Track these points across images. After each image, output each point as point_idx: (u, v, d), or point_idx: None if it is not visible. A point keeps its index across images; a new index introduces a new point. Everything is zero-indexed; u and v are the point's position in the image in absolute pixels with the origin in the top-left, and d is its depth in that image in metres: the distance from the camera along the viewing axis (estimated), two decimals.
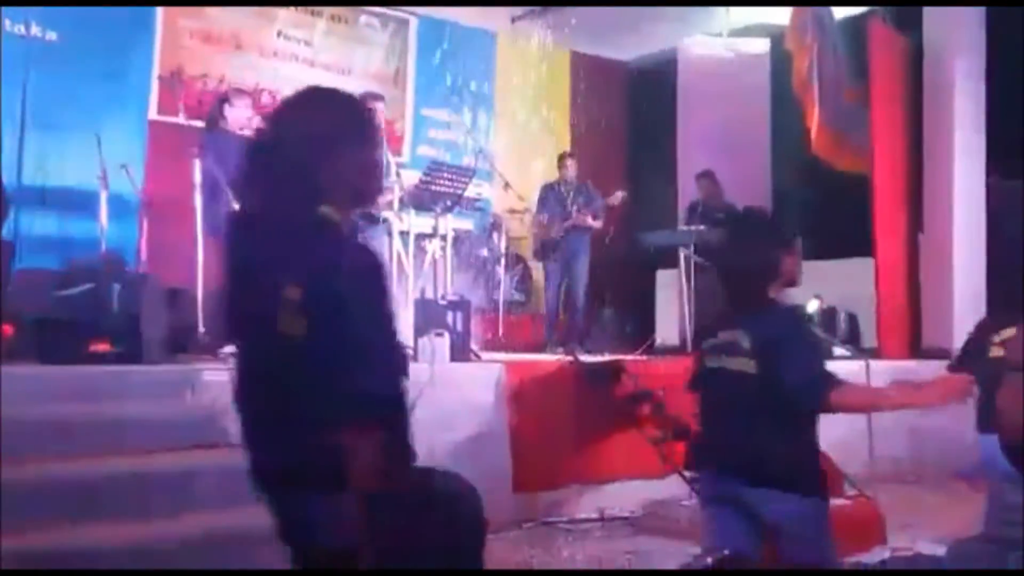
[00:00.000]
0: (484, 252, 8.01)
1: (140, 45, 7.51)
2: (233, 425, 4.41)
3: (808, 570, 2.64)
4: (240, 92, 6.17)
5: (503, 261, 8.09)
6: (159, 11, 7.62)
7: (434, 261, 6.37)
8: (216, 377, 4.55)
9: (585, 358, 6.14)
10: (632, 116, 10.34)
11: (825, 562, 2.68)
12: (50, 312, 4.82)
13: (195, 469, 4.06)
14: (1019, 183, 7.42)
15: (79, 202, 6.63)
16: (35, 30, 6.99)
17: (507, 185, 7.90)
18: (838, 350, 6.58)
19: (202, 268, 5.49)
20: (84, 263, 5.38)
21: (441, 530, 1.89)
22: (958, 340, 7.38)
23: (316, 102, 2.00)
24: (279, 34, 8.32)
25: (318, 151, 1.87)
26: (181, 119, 6.34)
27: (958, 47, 7.79)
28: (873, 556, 4.17)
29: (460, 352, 5.69)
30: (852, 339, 7.58)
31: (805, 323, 2.86)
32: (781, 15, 8.15)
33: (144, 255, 6.44)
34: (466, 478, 2.08)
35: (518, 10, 9.25)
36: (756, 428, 2.66)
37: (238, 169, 1.96)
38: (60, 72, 6.90)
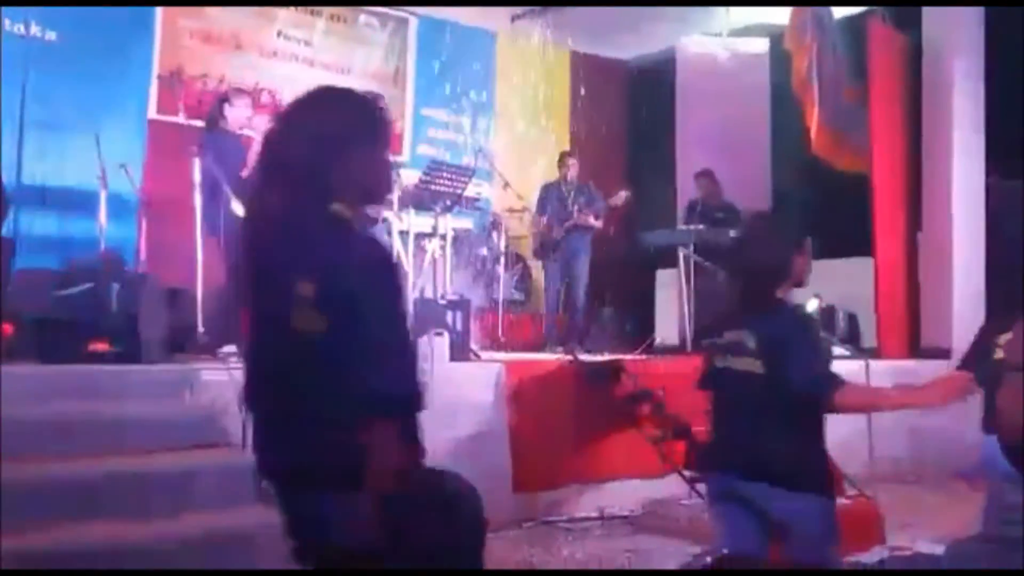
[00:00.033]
0: (484, 251, 8.00)
1: (140, 45, 7.50)
2: (233, 424, 4.46)
3: (807, 570, 2.64)
4: (240, 92, 6.17)
5: (502, 260, 8.09)
6: (159, 11, 7.62)
7: (433, 260, 6.38)
8: (215, 377, 4.56)
9: (585, 357, 6.15)
10: (632, 115, 10.33)
11: (830, 561, 2.69)
12: (49, 312, 4.82)
13: (194, 469, 4.06)
14: (1018, 183, 7.43)
15: (78, 202, 6.62)
16: (35, 30, 6.98)
17: (506, 184, 7.91)
18: (837, 349, 6.58)
19: (201, 268, 5.49)
20: (83, 263, 5.38)
21: (441, 530, 1.89)
22: (957, 340, 7.45)
23: (328, 101, 2.01)
24: (279, 34, 8.31)
25: (330, 150, 1.88)
26: (181, 119, 6.34)
27: (957, 46, 7.79)
28: (872, 556, 4.18)
29: (460, 351, 5.69)
30: (851, 338, 7.58)
31: (810, 324, 2.88)
32: (780, 15, 8.15)
33: (143, 255, 6.44)
34: (466, 477, 2.08)
35: (518, 9, 9.24)
36: (762, 427, 2.69)
37: (251, 168, 1.97)
38: (60, 72, 6.90)
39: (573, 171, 7.79)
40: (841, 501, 4.59)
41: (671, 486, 5.39)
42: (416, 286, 6.16)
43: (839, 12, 8.05)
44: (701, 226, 7.63)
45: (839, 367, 2.76)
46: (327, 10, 8.56)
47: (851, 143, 7.78)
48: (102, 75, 7.16)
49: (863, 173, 7.65)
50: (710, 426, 2.96)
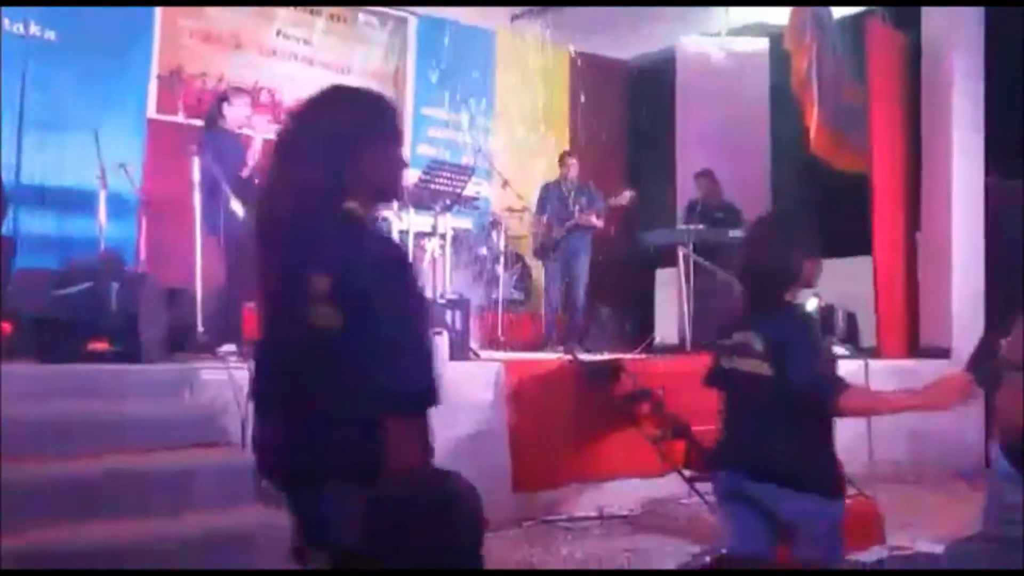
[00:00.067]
0: (483, 251, 8.00)
1: (139, 44, 7.50)
2: (232, 424, 4.46)
3: (806, 570, 2.65)
4: (239, 91, 6.17)
5: (502, 260, 8.09)
6: (158, 10, 7.61)
7: (433, 260, 6.38)
8: (214, 376, 4.56)
9: (584, 357, 6.15)
10: (631, 115, 10.33)
11: (835, 561, 2.70)
12: (49, 311, 4.82)
13: (194, 468, 4.06)
14: (1018, 182, 7.43)
15: (78, 201, 6.63)
16: (34, 29, 6.99)
17: (506, 183, 7.91)
18: (837, 349, 6.58)
19: (201, 267, 5.49)
20: (83, 262, 5.38)
21: (440, 529, 1.89)
22: (957, 339, 7.46)
23: (341, 100, 2.02)
24: (278, 33, 8.31)
25: (344, 148, 1.89)
26: (180, 118, 6.35)
27: (957, 46, 7.79)
28: (871, 555, 4.18)
29: (459, 351, 5.69)
30: (851, 338, 7.58)
31: (815, 327, 2.90)
32: (780, 15, 8.15)
33: (143, 254, 6.45)
34: (465, 477, 2.09)
35: (517, 9, 9.24)
36: (769, 428, 2.71)
37: (263, 167, 1.97)
38: (59, 71, 6.90)
39: (574, 171, 7.79)
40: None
41: (670, 485, 5.39)
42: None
43: (838, 12, 8.05)
44: (701, 226, 7.63)
45: (838, 367, 2.78)
46: (327, 9, 8.56)
47: (851, 143, 7.78)
48: (101, 74, 7.17)
49: (863, 173, 7.65)
50: (719, 426, 2.98)
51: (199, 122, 6.05)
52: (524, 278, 8.74)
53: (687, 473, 5.18)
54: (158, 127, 7.40)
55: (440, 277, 6.43)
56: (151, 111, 7.54)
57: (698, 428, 5.15)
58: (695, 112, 9.02)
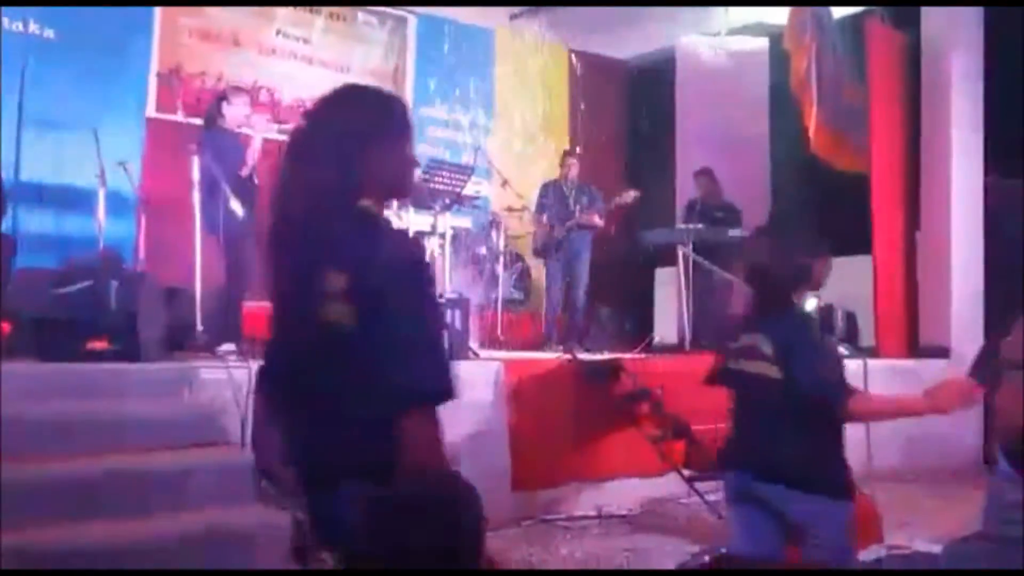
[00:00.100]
0: (482, 250, 8.00)
1: (138, 43, 7.50)
2: (232, 423, 4.45)
3: (806, 570, 2.65)
4: (238, 90, 6.16)
5: (501, 259, 8.09)
6: (157, 9, 7.61)
7: (432, 259, 6.37)
8: (214, 375, 4.56)
9: (584, 356, 6.15)
10: (631, 114, 10.33)
11: (846, 562, 2.71)
12: (48, 310, 4.82)
13: (193, 467, 4.06)
14: (1017, 182, 7.43)
15: (77, 200, 6.63)
16: (33, 28, 6.98)
17: (505, 183, 7.90)
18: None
19: (200, 266, 5.49)
20: (82, 261, 5.37)
21: (439, 529, 1.89)
22: (956, 338, 7.47)
23: (354, 99, 2.03)
24: (278, 32, 8.31)
25: (358, 147, 1.91)
26: (179, 117, 6.34)
27: (956, 46, 7.79)
28: (870, 554, 4.18)
29: (458, 350, 5.69)
30: (850, 337, 7.58)
31: (825, 330, 2.92)
32: (779, 14, 8.15)
33: (142, 253, 6.45)
34: (464, 476, 2.09)
35: (516, 8, 9.24)
36: (778, 430, 2.73)
37: (278, 166, 1.98)
38: (58, 70, 6.90)
39: (574, 170, 7.76)
40: None
41: (670, 485, 5.40)
42: None
43: (838, 12, 8.05)
44: (700, 225, 7.63)
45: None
46: (326, 8, 8.55)
47: (850, 142, 7.78)
48: (101, 73, 7.16)
49: (862, 172, 7.65)
50: (728, 427, 3.00)
51: (198, 121, 6.04)
52: (523, 277, 8.74)
53: (686, 473, 5.19)
54: (157, 126, 7.40)
55: (439, 276, 6.43)
56: (150, 110, 7.54)
57: (697, 428, 5.16)
58: (695, 111, 9.02)
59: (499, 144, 9.20)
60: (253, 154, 5.68)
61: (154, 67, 7.59)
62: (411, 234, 5.64)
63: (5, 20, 6.78)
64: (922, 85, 7.91)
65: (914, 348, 7.68)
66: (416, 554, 1.84)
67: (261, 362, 2.10)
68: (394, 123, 2.00)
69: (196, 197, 5.52)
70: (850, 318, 7.84)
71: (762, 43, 8.97)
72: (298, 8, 8.41)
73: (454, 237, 6.93)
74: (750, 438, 2.85)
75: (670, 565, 4.43)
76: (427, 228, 6.42)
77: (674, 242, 7.64)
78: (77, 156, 6.46)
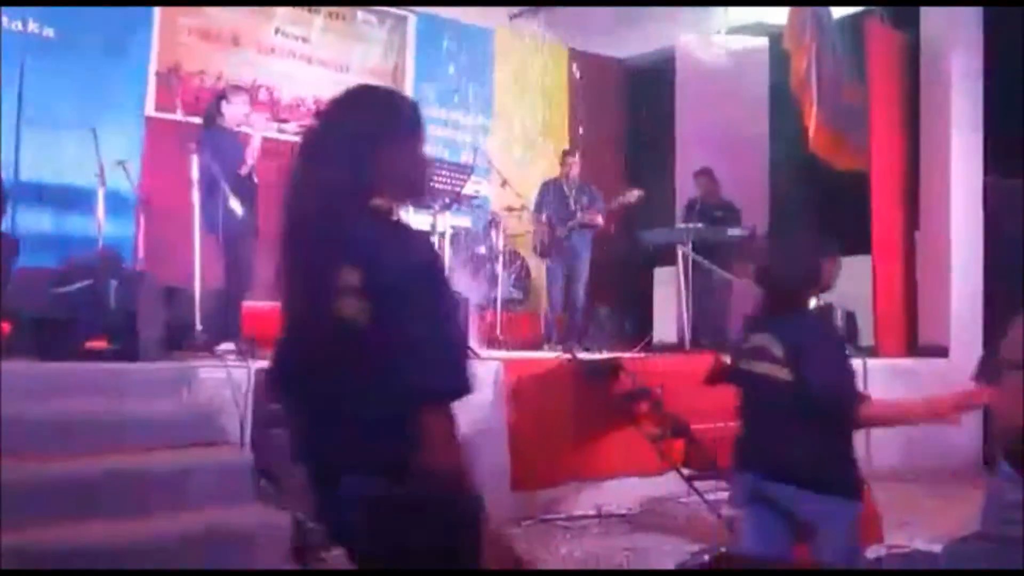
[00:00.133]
0: (482, 250, 7.99)
1: (138, 42, 7.49)
2: (231, 422, 4.45)
3: (806, 570, 2.66)
4: (237, 89, 6.16)
5: (501, 258, 8.08)
6: (157, 8, 7.61)
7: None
8: (213, 375, 4.56)
9: (583, 356, 6.14)
10: (630, 114, 10.33)
11: (853, 560, 2.73)
12: (47, 309, 4.81)
13: (193, 466, 4.06)
14: (1017, 181, 7.43)
15: (76, 199, 6.63)
16: (32, 27, 6.98)
17: (505, 182, 7.89)
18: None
19: (199, 265, 5.48)
20: (81, 260, 5.37)
21: (439, 529, 1.90)
22: (955, 338, 7.46)
23: (368, 100, 2.06)
24: (277, 31, 8.30)
25: (368, 147, 1.93)
26: (179, 116, 6.33)
27: (956, 46, 7.79)
28: (870, 554, 4.18)
29: None
30: (849, 337, 7.58)
31: (836, 333, 2.94)
32: (779, 14, 8.14)
33: (141, 252, 6.44)
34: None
35: (516, 8, 9.24)
36: (788, 430, 2.75)
37: (291, 166, 1.99)
38: (57, 69, 6.89)
39: (575, 169, 7.75)
40: None
41: (669, 484, 5.39)
42: None
43: (838, 12, 8.05)
44: (700, 224, 7.63)
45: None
46: (325, 7, 8.54)
47: (850, 142, 7.78)
48: (100, 72, 7.16)
49: (861, 172, 7.65)
50: (738, 428, 3.02)
51: (198, 120, 6.04)
52: (523, 277, 8.73)
53: (686, 472, 5.18)
54: (156, 125, 7.40)
55: None
56: (149, 109, 7.54)
57: (697, 427, 5.16)
58: (694, 111, 9.02)
59: (498, 143, 9.20)
60: (252, 153, 5.68)
61: (153, 66, 7.59)
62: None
63: (4, 19, 6.77)
64: (921, 85, 7.91)
65: (913, 348, 7.68)
66: (423, 552, 1.85)
67: (268, 362, 2.11)
68: (406, 123, 2.02)
69: (195, 196, 5.51)
70: (849, 318, 7.84)
71: (762, 43, 8.97)
72: (297, 7, 8.40)
73: (453, 236, 6.92)
74: (759, 438, 2.87)
75: (670, 564, 4.43)
76: (426, 228, 6.42)
77: (673, 241, 7.64)
78: (76, 155, 6.46)
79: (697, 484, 5.10)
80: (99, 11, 7.05)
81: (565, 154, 8.00)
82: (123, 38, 7.36)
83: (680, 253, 7.50)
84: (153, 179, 6.92)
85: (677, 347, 7.58)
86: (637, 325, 8.72)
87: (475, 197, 7.82)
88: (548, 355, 6.44)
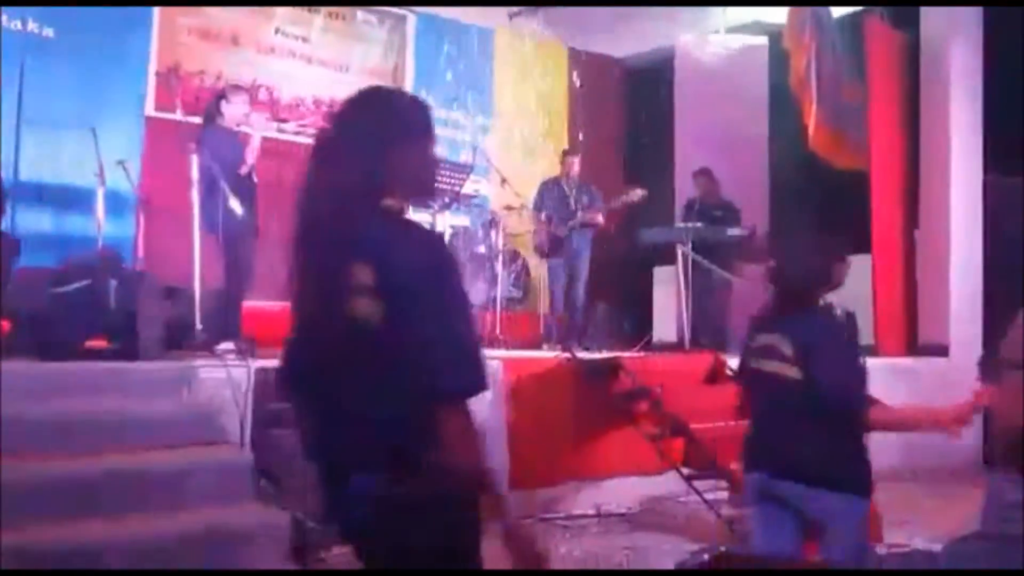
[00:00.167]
0: (481, 249, 7.99)
1: (137, 41, 7.49)
2: (230, 422, 4.45)
3: (805, 570, 2.66)
4: (237, 88, 6.15)
5: (500, 258, 8.08)
6: (156, 8, 7.60)
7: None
8: (213, 374, 4.56)
9: (582, 355, 6.14)
10: (630, 113, 10.33)
11: (863, 557, 2.74)
12: (47, 309, 4.81)
13: (192, 466, 4.06)
14: (1016, 180, 7.44)
15: (76, 199, 6.62)
16: (32, 26, 6.97)
17: (504, 181, 7.89)
18: None
19: (199, 265, 5.48)
20: (81, 260, 5.37)
21: (451, 527, 1.91)
22: (955, 337, 7.46)
23: (375, 102, 2.08)
24: (276, 31, 8.29)
25: (380, 149, 1.95)
26: (178, 115, 6.33)
27: (956, 44, 7.80)
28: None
29: None
30: (849, 336, 7.58)
31: (847, 333, 2.96)
32: (779, 13, 8.14)
33: (141, 252, 6.44)
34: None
35: (515, 7, 9.24)
36: (797, 428, 2.77)
37: (304, 168, 2.01)
38: (57, 68, 6.89)
39: (575, 168, 7.75)
40: None
41: (668, 483, 5.40)
42: None
43: (837, 10, 8.05)
44: (699, 224, 7.63)
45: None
46: (325, 7, 8.54)
47: (849, 141, 7.79)
48: (100, 72, 7.15)
49: (861, 171, 7.66)
50: (748, 426, 3.03)
51: (197, 119, 6.04)
52: (522, 276, 8.73)
53: (685, 471, 5.19)
54: (156, 124, 7.39)
55: None
56: (149, 108, 7.53)
57: (696, 426, 5.16)
58: (694, 110, 9.02)
59: (498, 143, 9.20)
60: (252, 152, 5.68)
61: (153, 66, 7.58)
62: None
63: (4, 19, 6.77)
64: (921, 84, 7.91)
65: (913, 347, 7.68)
66: (434, 551, 1.87)
67: (278, 361, 2.11)
68: (417, 125, 2.04)
69: (195, 196, 5.51)
70: (849, 317, 7.84)
71: (761, 42, 8.97)
72: (297, 7, 8.40)
73: (453, 236, 6.92)
74: (768, 437, 2.89)
75: (669, 564, 4.43)
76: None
77: (673, 241, 7.63)
78: (76, 155, 6.46)
79: (696, 483, 5.10)
80: (99, 11, 7.04)
81: (565, 153, 8.00)
82: (123, 38, 7.35)
83: (680, 252, 7.49)
84: (153, 179, 6.91)
85: (676, 347, 7.58)
86: (636, 324, 8.72)
87: (474, 196, 7.82)
88: (547, 354, 6.44)
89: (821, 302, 2.98)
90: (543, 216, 7.65)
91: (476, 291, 7.31)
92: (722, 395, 5.46)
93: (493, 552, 1.94)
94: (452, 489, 1.86)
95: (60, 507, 3.58)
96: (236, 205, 5.37)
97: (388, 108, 2.05)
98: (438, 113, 8.99)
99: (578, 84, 9.87)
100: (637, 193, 7.59)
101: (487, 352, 6.25)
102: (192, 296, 5.43)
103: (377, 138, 1.95)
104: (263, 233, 5.68)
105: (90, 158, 6.10)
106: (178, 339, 5.31)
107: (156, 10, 7.59)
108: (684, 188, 8.53)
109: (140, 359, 4.70)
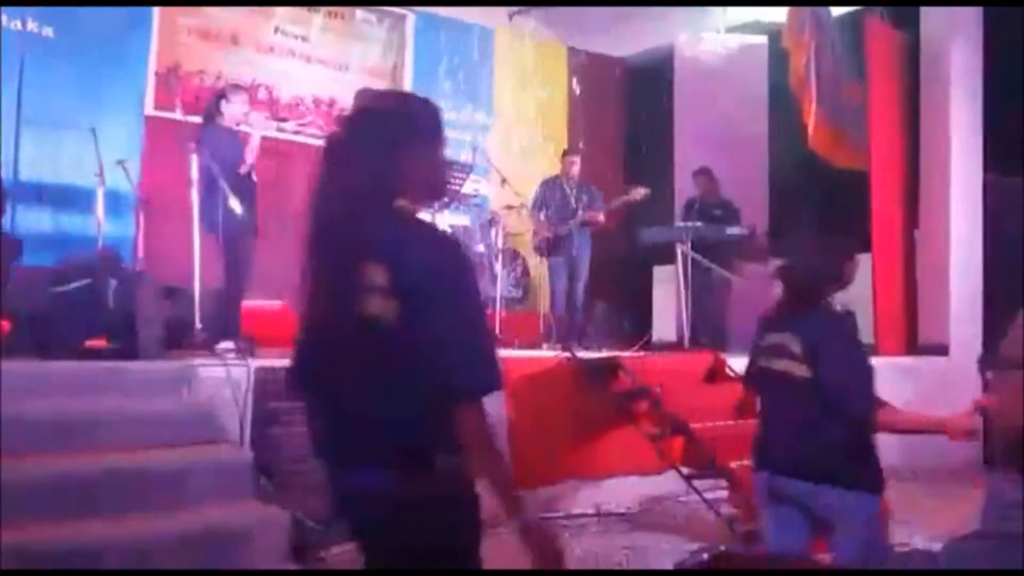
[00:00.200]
0: (481, 248, 7.99)
1: (137, 41, 7.48)
2: (230, 421, 4.44)
3: (807, 570, 2.66)
4: (237, 88, 6.15)
5: (500, 257, 8.08)
6: (156, 8, 7.60)
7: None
8: (212, 373, 4.56)
9: (582, 354, 6.14)
10: (629, 112, 10.33)
11: (874, 554, 2.75)
12: (47, 308, 4.81)
13: (192, 465, 4.06)
14: (1016, 179, 7.43)
15: (76, 199, 6.62)
16: (32, 26, 6.97)
17: (504, 181, 7.88)
18: None
19: (199, 264, 5.48)
20: (81, 260, 5.37)
21: (438, 528, 1.90)
22: (955, 336, 7.46)
23: (386, 105, 2.12)
24: (276, 30, 8.29)
25: (393, 150, 1.96)
26: (178, 115, 6.32)
27: (956, 44, 7.79)
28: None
29: None
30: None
31: (856, 335, 2.97)
32: (778, 12, 8.14)
33: (141, 251, 6.44)
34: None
35: (515, 7, 9.24)
36: (806, 426, 2.79)
37: (316, 169, 2.02)
38: (57, 68, 6.89)
39: (576, 168, 7.74)
40: None
41: (668, 483, 5.40)
42: None
43: (837, 9, 8.04)
44: (699, 223, 7.63)
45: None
46: (324, 6, 8.53)
47: (849, 140, 7.79)
48: (99, 71, 7.15)
49: (861, 170, 7.65)
50: (757, 425, 3.04)
51: (197, 119, 6.03)
52: (522, 276, 8.73)
53: (685, 471, 5.19)
54: (156, 124, 7.39)
55: None
56: (149, 108, 7.52)
57: (696, 425, 5.16)
58: (693, 110, 9.01)
59: (498, 142, 9.20)
60: (252, 152, 5.68)
61: (153, 65, 7.57)
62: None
63: (4, 18, 6.76)
64: (921, 83, 7.91)
65: (913, 346, 7.68)
66: (444, 549, 1.88)
67: (289, 360, 2.12)
68: (428, 127, 2.06)
69: (195, 195, 5.51)
70: (848, 315, 7.84)
71: (761, 41, 8.97)
72: (297, 7, 8.40)
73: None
74: (776, 435, 2.90)
75: (668, 563, 4.43)
76: None
77: (672, 240, 7.63)
78: (76, 155, 6.46)
79: (696, 483, 5.10)
80: (99, 11, 7.04)
81: (565, 153, 7.99)
82: (123, 38, 7.34)
83: (679, 252, 7.49)
84: (152, 178, 6.91)
85: (676, 346, 7.58)
86: (636, 324, 8.72)
87: (474, 196, 7.81)
88: (547, 354, 6.44)
89: (833, 303, 2.99)
90: (542, 215, 7.64)
91: None
92: (722, 394, 5.47)
93: (491, 552, 1.94)
94: (462, 487, 1.87)
95: (60, 507, 3.58)
96: (236, 204, 5.37)
97: (399, 110, 2.07)
98: None
99: (578, 92, 9.88)
100: (640, 192, 7.58)
101: None
102: (192, 295, 5.43)
103: (388, 140, 1.97)
104: (263, 232, 5.68)
105: (90, 158, 6.09)
106: (178, 338, 5.31)
107: (156, 10, 7.58)
108: (684, 187, 8.52)
109: (140, 358, 4.70)
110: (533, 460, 5.30)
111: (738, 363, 5.51)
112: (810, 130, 7.59)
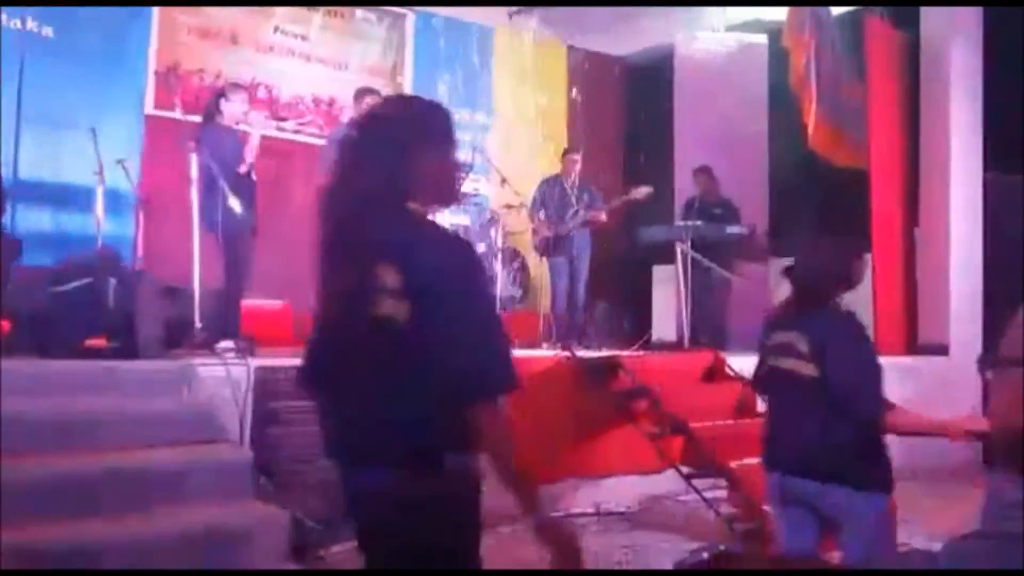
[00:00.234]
0: (481, 247, 7.99)
1: (137, 40, 7.48)
2: (230, 421, 4.44)
3: (806, 570, 2.66)
4: (236, 87, 6.15)
5: (500, 256, 8.08)
6: (156, 7, 7.60)
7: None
8: (212, 373, 4.56)
9: (582, 353, 6.14)
10: (629, 111, 10.33)
11: (883, 553, 2.75)
12: (47, 308, 4.81)
13: (192, 465, 4.06)
14: (1016, 178, 7.43)
15: (75, 198, 6.62)
16: (31, 25, 6.97)
17: (504, 181, 7.88)
18: None
19: (199, 263, 5.48)
20: (80, 259, 5.37)
21: (444, 527, 1.91)
22: (955, 336, 7.46)
23: (398, 109, 2.16)
24: (275, 29, 8.29)
25: (405, 153, 1.97)
26: (178, 114, 6.32)
27: (956, 44, 7.79)
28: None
29: None
30: None
31: (864, 334, 2.97)
32: (778, 11, 8.14)
33: (140, 251, 6.44)
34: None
35: (515, 6, 9.23)
36: (813, 426, 2.79)
37: (327, 172, 2.04)
38: (56, 67, 6.89)
39: (576, 167, 7.73)
40: None
41: (668, 482, 5.39)
42: None
43: (837, 9, 8.04)
44: (699, 222, 7.62)
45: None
46: (324, 6, 8.53)
47: (849, 139, 7.79)
48: (99, 71, 7.15)
49: (861, 169, 7.65)
50: (764, 424, 3.04)
51: (197, 118, 6.03)
52: (522, 275, 8.73)
53: (684, 470, 5.19)
54: (156, 123, 7.39)
55: None
56: (148, 107, 7.53)
57: (695, 425, 5.16)
58: (693, 109, 9.01)
59: (498, 142, 9.20)
60: (251, 151, 5.67)
61: (152, 65, 7.57)
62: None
63: (3, 18, 6.76)
64: (921, 82, 7.91)
65: (913, 346, 7.68)
66: (452, 550, 1.89)
67: (300, 360, 2.13)
68: (439, 131, 2.07)
69: (194, 195, 5.51)
70: (848, 315, 7.83)
71: (760, 40, 8.97)
72: (296, 6, 8.40)
73: None
74: (784, 434, 2.91)
75: (668, 563, 4.42)
76: None
77: (672, 239, 7.63)
78: (75, 154, 6.45)
79: (695, 482, 5.10)
80: (98, 10, 7.04)
81: (566, 152, 7.98)
82: (123, 37, 7.35)
83: (679, 251, 7.49)
84: (152, 178, 6.91)
85: (676, 345, 7.58)
86: (636, 323, 8.72)
87: (474, 195, 7.81)
88: (547, 353, 6.44)
89: (841, 303, 2.99)
90: (542, 215, 7.63)
91: None
92: (721, 394, 5.47)
93: (492, 552, 1.95)
94: (469, 487, 1.90)
95: (60, 506, 3.58)
96: (235, 204, 5.36)
97: (411, 114, 2.08)
98: None
99: (577, 78, 9.87)
100: (642, 191, 7.57)
101: None
102: (191, 295, 5.43)
103: (401, 143, 1.98)
104: (262, 232, 5.68)
105: (89, 157, 6.09)
106: (178, 338, 5.31)
107: (155, 9, 7.58)
108: (684, 186, 8.52)
109: (140, 358, 4.70)
110: (532, 459, 5.29)
111: (738, 362, 5.51)
112: (810, 129, 7.59)
